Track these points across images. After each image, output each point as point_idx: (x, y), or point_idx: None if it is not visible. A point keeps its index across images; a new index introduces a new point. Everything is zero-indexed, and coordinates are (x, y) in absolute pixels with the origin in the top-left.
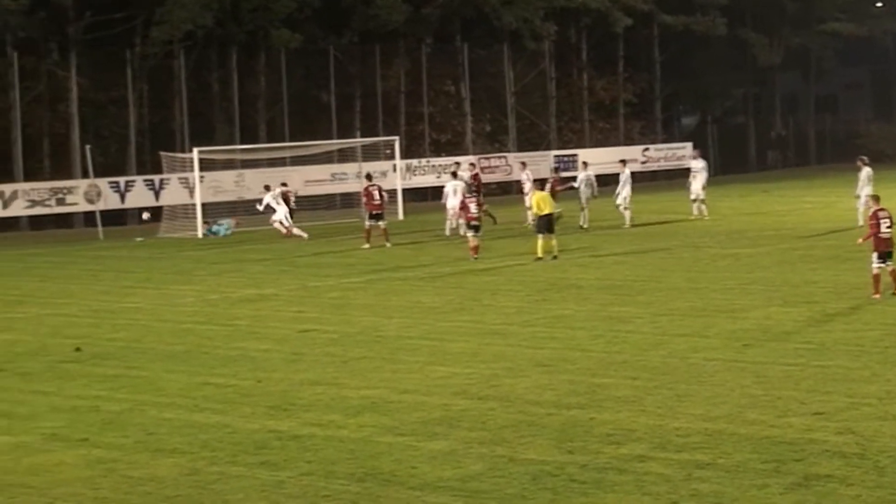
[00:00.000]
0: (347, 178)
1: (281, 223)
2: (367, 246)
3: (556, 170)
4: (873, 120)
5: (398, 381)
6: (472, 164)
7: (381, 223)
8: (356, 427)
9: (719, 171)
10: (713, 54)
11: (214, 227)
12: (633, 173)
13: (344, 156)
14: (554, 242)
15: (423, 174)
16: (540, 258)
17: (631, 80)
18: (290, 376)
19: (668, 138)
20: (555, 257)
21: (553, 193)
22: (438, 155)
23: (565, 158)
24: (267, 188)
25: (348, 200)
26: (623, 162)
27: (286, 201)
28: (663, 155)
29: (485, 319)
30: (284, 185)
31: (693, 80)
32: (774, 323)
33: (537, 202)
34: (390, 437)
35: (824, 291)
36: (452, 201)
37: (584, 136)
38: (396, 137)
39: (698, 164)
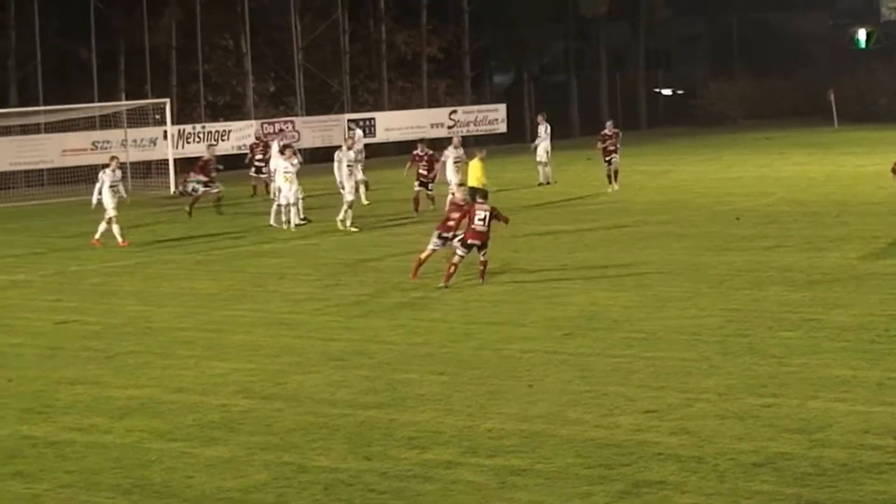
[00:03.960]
0: (111, 146)
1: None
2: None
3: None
4: (712, 78)
5: (170, 379)
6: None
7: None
8: (123, 432)
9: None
10: (529, 4)
11: None
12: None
13: (107, 121)
14: None
15: (198, 142)
16: None
17: (436, 33)
18: (45, 374)
19: (479, 99)
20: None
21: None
22: (215, 120)
23: (361, 122)
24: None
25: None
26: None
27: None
28: (473, 118)
29: (269, 308)
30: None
31: (507, 32)
32: (600, 309)
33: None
34: (162, 442)
35: (656, 273)
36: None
37: (383, 96)
38: (167, 100)
39: (543, 129)
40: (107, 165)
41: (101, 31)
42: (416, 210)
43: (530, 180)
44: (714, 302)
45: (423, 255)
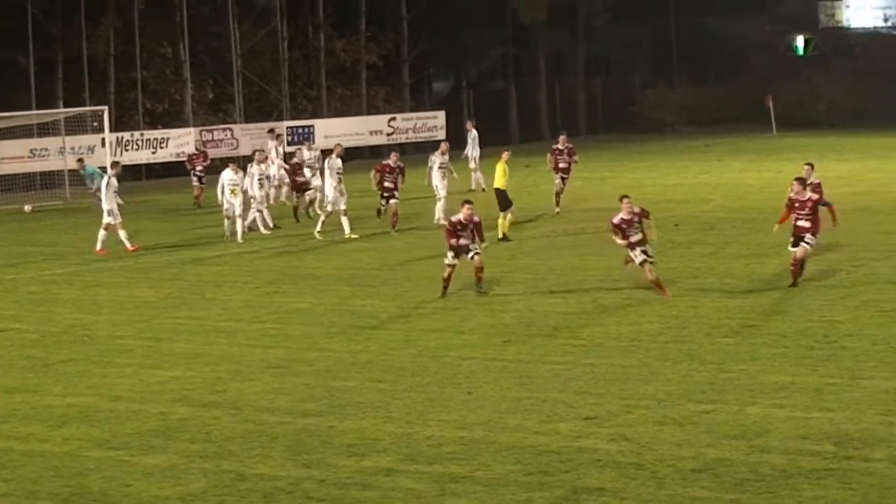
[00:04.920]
0: (48, 154)
1: None
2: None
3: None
4: (651, 84)
5: (109, 388)
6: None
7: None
8: (61, 440)
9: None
10: (468, 11)
11: None
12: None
13: (45, 129)
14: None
15: (137, 149)
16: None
17: (375, 41)
18: None
19: (418, 106)
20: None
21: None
22: (154, 127)
23: (300, 130)
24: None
25: (49, 180)
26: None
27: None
28: (412, 125)
29: (208, 315)
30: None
31: (446, 39)
32: (538, 316)
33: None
34: (100, 451)
35: (595, 280)
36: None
37: (322, 104)
38: (105, 107)
39: (471, 136)
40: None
41: (39, 39)
42: (394, 226)
43: (467, 187)
44: (653, 308)
45: (444, 275)
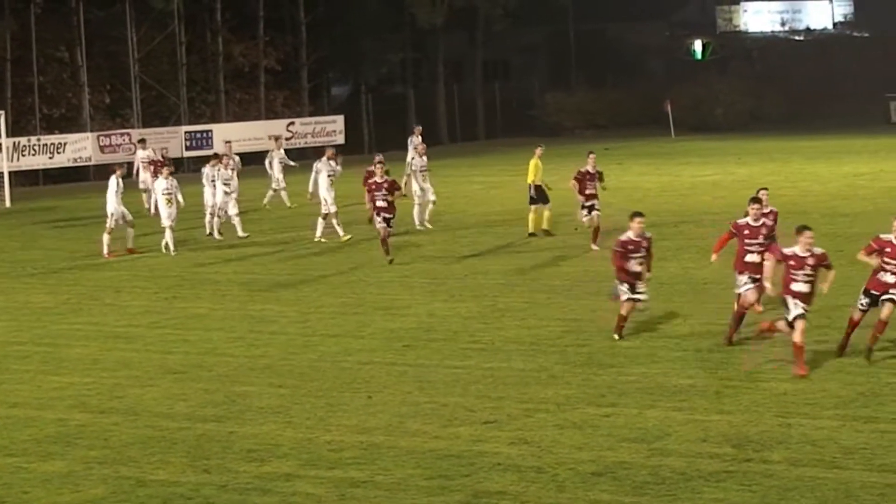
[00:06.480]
0: None
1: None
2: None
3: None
4: (549, 89)
5: (5, 394)
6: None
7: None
8: None
9: (376, 148)
10: (367, 15)
11: None
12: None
13: None
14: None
15: (34, 154)
16: (533, 234)
17: (273, 45)
18: None
19: (317, 111)
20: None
21: None
22: (51, 132)
23: (198, 134)
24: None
25: None
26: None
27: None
28: (311, 129)
29: (106, 321)
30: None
31: (345, 44)
32: (438, 320)
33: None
34: None
35: (495, 284)
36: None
37: (220, 108)
38: (1, 112)
39: (416, 140)
40: (113, 172)
41: None
42: (387, 252)
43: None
44: (553, 312)
45: (623, 313)
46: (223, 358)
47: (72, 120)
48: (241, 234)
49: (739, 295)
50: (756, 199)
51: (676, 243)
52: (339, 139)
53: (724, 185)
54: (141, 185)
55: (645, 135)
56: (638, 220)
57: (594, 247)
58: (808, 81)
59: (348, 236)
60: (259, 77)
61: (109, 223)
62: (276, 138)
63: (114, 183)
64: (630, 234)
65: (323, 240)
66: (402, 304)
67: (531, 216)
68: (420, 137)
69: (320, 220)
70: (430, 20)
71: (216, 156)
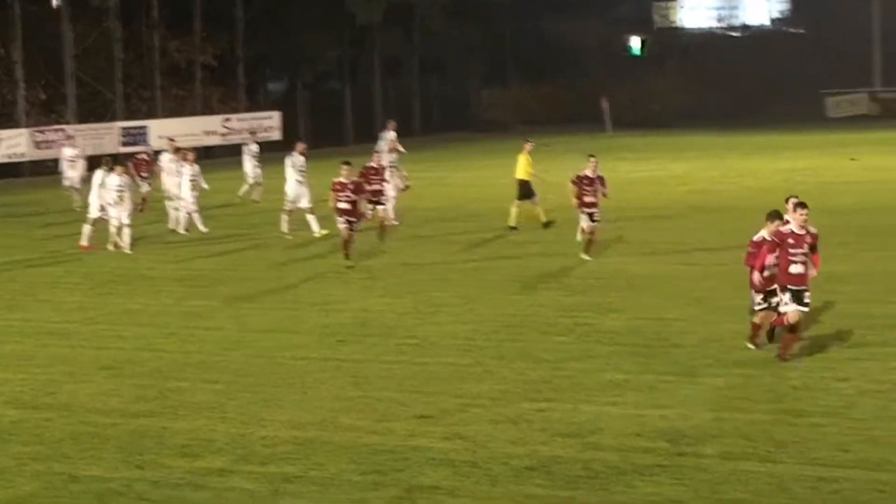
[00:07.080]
0: None
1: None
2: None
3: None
4: (485, 85)
5: None
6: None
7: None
8: None
9: (312, 144)
10: (304, 12)
11: None
12: (212, 147)
13: None
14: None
15: None
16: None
17: (210, 41)
18: None
19: (253, 107)
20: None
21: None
22: None
23: (134, 130)
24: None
25: None
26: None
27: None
28: (247, 125)
29: (40, 317)
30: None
31: (282, 40)
32: (373, 315)
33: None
34: None
35: (430, 279)
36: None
37: (156, 104)
38: None
39: (390, 135)
40: (112, 169)
41: None
42: (347, 256)
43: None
44: (488, 307)
45: (756, 321)
46: (157, 353)
47: (6, 116)
48: (202, 228)
49: (776, 311)
50: (802, 205)
51: (612, 238)
52: (276, 135)
53: (660, 181)
54: (65, 182)
55: (582, 131)
56: (802, 210)
57: (586, 257)
58: (745, 78)
59: (325, 231)
60: (195, 73)
61: (92, 214)
62: (252, 132)
63: (98, 176)
64: (792, 228)
65: (289, 236)
66: (338, 300)
67: (514, 210)
68: (395, 133)
69: (284, 215)
70: (367, 17)
71: (178, 150)
